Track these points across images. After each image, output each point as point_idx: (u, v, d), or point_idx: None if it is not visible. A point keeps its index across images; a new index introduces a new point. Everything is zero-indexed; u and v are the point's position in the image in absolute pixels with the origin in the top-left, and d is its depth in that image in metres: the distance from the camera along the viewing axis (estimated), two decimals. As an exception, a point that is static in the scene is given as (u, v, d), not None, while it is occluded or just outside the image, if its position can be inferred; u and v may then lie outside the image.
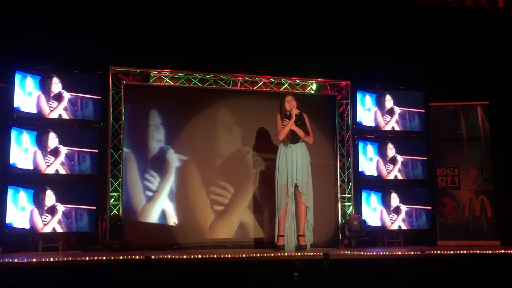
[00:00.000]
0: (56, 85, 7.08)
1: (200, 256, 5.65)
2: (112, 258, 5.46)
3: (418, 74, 8.31)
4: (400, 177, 8.16)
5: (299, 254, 5.99)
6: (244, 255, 5.82)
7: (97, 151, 7.13)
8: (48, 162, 6.93)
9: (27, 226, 6.75)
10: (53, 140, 6.98)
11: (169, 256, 5.55)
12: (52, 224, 6.85)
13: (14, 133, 6.82)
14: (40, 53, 7.11)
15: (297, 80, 8.02)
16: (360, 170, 8.08)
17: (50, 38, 7.12)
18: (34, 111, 6.99)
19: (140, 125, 7.46)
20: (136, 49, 7.43)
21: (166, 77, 7.59)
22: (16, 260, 5.28)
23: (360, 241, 7.50)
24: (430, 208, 8.14)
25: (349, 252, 6.11)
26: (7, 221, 6.65)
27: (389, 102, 8.25)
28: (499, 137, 8.20)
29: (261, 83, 7.94)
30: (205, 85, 7.72)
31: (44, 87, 7.04)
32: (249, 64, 7.79)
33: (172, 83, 7.62)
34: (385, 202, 8.07)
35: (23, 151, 6.85)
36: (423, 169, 8.20)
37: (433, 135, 8.29)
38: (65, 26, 7.14)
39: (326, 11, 7.91)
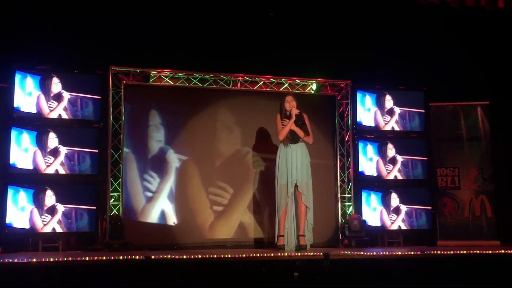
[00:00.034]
0: (56, 85, 7.08)
1: (200, 256, 5.65)
2: (112, 258, 5.46)
3: (418, 74, 8.31)
4: (400, 177, 8.16)
5: (299, 254, 5.99)
6: (244, 255, 5.82)
7: (97, 151, 7.13)
8: (48, 162, 6.93)
9: (27, 226, 6.75)
10: (53, 140, 6.97)
11: (169, 256, 5.55)
12: (52, 224, 6.85)
13: (14, 133, 6.82)
14: (40, 53, 7.11)
15: (297, 80, 8.02)
16: (360, 170, 8.08)
17: (50, 38, 7.11)
18: (34, 111, 6.99)
19: (140, 125, 7.46)
20: (136, 49, 7.43)
21: (166, 77, 7.59)
22: (16, 260, 5.28)
23: (360, 241, 7.50)
24: (430, 208, 8.14)
25: (349, 252, 6.11)
26: (7, 221, 6.65)
27: (389, 102, 8.25)
28: (499, 137, 8.20)
29: (261, 83, 7.94)
30: (205, 85, 7.72)
31: (44, 87, 7.04)
32: (249, 64, 7.79)
33: (172, 83, 7.62)
34: (385, 202, 8.07)
35: (23, 151, 6.85)
36: (423, 169, 8.20)
37: (433, 135, 8.29)
38: (65, 26, 7.13)
39: (326, 11, 7.90)
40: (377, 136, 8.22)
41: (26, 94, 6.95)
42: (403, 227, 8.07)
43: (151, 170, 7.39)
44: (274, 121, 6.59)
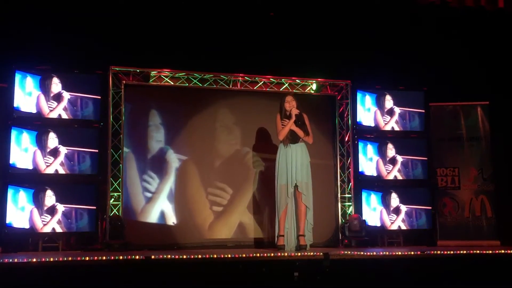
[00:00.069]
0: (56, 85, 7.08)
1: (200, 256, 5.65)
2: (112, 258, 5.46)
3: (418, 74, 8.31)
4: (399, 177, 8.16)
5: (299, 254, 5.99)
6: (244, 255, 5.82)
7: (97, 151, 7.13)
8: (47, 162, 6.93)
9: (27, 226, 6.75)
10: (53, 140, 6.97)
11: (169, 256, 5.55)
12: (52, 224, 6.85)
13: (14, 133, 6.82)
14: (40, 53, 7.11)
15: (297, 80, 8.02)
16: (360, 170, 8.08)
17: (50, 38, 7.11)
18: (34, 111, 6.99)
19: (140, 125, 7.46)
20: (136, 49, 7.43)
21: (166, 77, 7.59)
22: (16, 260, 5.28)
23: (360, 241, 7.50)
24: (430, 208, 8.14)
25: (349, 252, 6.10)
26: (7, 221, 6.65)
27: (389, 102, 8.25)
28: (499, 137, 8.20)
29: (261, 83, 7.94)
30: (205, 85, 7.72)
31: (44, 87, 7.04)
32: (249, 64, 7.79)
33: (172, 83, 7.62)
34: (385, 202, 8.06)
35: (23, 151, 6.85)
36: (423, 169, 8.20)
37: (433, 135, 8.29)
38: (65, 26, 7.13)
39: (326, 11, 7.90)
40: (377, 136, 8.22)
41: (26, 94, 6.95)
42: (403, 227, 8.07)
43: (151, 170, 7.38)
44: (274, 121, 6.59)
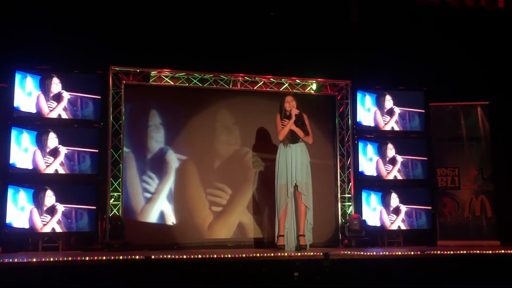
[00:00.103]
0: (55, 85, 7.08)
1: (200, 256, 5.64)
2: (112, 258, 5.46)
3: (418, 74, 8.32)
4: (399, 177, 8.16)
5: (299, 254, 5.99)
6: (244, 255, 5.82)
7: (97, 151, 7.13)
8: (47, 162, 6.93)
9: (27, 226, 6.75)
10: (52, 140, 6.97)
11: (169, 256, 5.55)
12: (52, 224, 6.85)
13: (14, 133, 6.82)
14: (40, 53, 7.11)
15: (297, 80, 8.02)
16: (360, 170, 8.08)
17: (50, 38, 7.12)
18: (34, 111, 6.99)
19: (140, 125, 7.46)
20: (136, 49, 7.43)
21: (166, 77, 7.59)
22: (16, 260, 5.27)
23: (360, 241, 7.50)
24: (430, 208, 8.14)
25: (349, 252, 6.10)
26: (7, 221, 6.65)
27: (388, 102, 8.25)
28: (499, 137, 8.20)
29: (261, 83, 7.94)
30: (205, 85, 7.71)
31: (44, 87, 7.04)
32: (249, 64, 7.79)
33: (172, 83, 7.62)
34: (385, 202, 8.06)
35: (23, 151, 6.85)
36: (423, 169, 8.20)
37: (433, 135, 8.29)
38: (65, 26, 7.14)
39: (326, 11, 7.90)
40: (377, 136, 8.22)
41: (26, 94, 6.95)
42: (403, 227, 8.07)
43: (151, 170, 7.38)
44: (274, 121, 6.59)
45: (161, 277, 5.43)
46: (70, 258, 5.39)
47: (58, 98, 7.08)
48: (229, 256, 5.70)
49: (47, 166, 6.93)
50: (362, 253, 6.20)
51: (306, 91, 8.12)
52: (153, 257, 5.49)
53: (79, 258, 5.39)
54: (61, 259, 5.39)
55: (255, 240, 7.58)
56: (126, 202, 7.20)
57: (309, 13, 7.89)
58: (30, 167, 6.87)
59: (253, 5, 7.71)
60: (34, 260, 5.23)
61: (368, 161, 8.12)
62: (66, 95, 7.11)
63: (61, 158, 6.98)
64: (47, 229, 6.82)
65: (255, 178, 7.68)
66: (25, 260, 5.25)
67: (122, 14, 7.36)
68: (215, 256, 5.66)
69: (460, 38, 8.26)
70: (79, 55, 7.24)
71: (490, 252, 6.49)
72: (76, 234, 7.01)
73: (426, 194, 8.17)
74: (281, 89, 7.95)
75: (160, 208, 7.35)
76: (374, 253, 6.35)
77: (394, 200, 8.09)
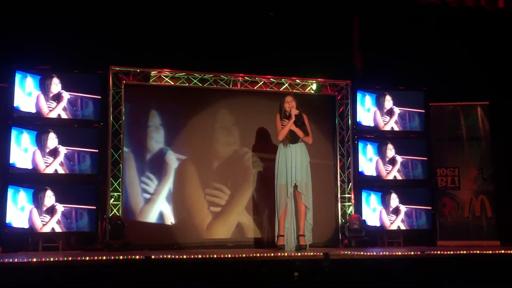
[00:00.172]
0: (55, 85, 7.07)
1: (200, 256, 5.65)
2: (112, 258, 5.46)
3: (418, 74, 8.31)
4: (399, 177, 8.15)
5: (299, 254, 5.99)
6: (244, 255, 5.82)
7: (97, 151, 7.13)
8: (47, 162, 6.93)
9: (26, 226, 6.75)
10: (52, 140, 6.97)
11: (169, 256, 5.55)
12: (51, 224, 6.84)
13: (14, 133, 6.82)
14: (40, 53, 7.11)
15: (297, 80, 8.01)
16: (360, 170, 8.07)
17: (50, 38, 7.12)
18: (34, 111, 6.98)
19: (140, 125, 7.45)
20: (136, 49, 7.44)
21: (166, 77, 7.59)
22: (16, 260, 5.27)
23: (360, 241, 7.50)
24: (430, 208, 8.14)
25: (349, 252, 6.10)
26: (7, 221, 6.64)
27: (388, 102, 8.25)
28: (499, 137, 8.20)
29: (261, 83, 7.94)
30: (205, 85, 7.71)
31: (44, 87, 7.03)
32: (249, 64, 7.79)
33: (172, 83, 7.62)
34: (385, 202, 8.06)
35: (22, 151, 6.85)
36: (423, 169, 8.19)
37: (433, 135, 8.28)
38: (65, 26, 7.14)
39: (326, 11, 7.91)
40: (377, 136, 8.22)
41: (26, 94, 6.95)
42: (403, 227, 8.07)
43: (150, 171, 7.38)
44: (274, 121, 6.59)
45: (161, 277, 5.43)
46: (70, 258, 5.38)
47: (58, 98, 7.08)
48: (229, 256, 5.70)
49: (47, 166, 6.93)
50: (362, 253, 6.20)
51: (306, 91, 8.11)
52: (153, 257, 5.49)
53: (79, 258, 5.39)
54: (61, 259, 5.39)
55: (255, 240, 7.58)
56: (126, 202, 7.20)
57: (309, 13, 7.89)
58: (30, 167, 6.87)
59: (253, 5, 7.72)
60: (34, 260, 5.23)
61: (368, 161, 8.12)
62: (66, 95, 7.10)
63: (60, 158, 6.98)
64: (46, 229, 6.82)
65: (255, 178, 7.68)
66: (25, 260, 5.25)
67: (122, 14, 7.37)
68: (215, 256, 5.66)
69: (460, 38, 8.26)
70: (79, 55, 7.24)
71: (490, 252, 6.49)
72: (76, 234, 7.01)
73: (426, 194, 8.17)
74: (281, 89, 7.94)
75: (160, 208, 7.34)
76: (374, 253, 6.35)
77: (394, 200, 8.08)
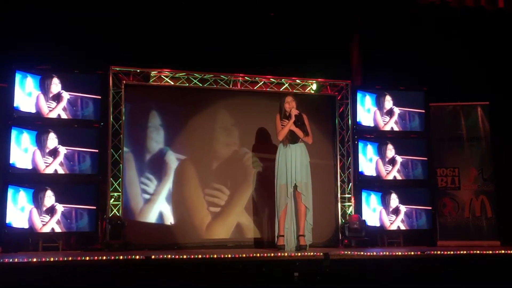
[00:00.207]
0: (55, 85, 7.07)
1: (200, 256, 5.65)
2: (112, 258, 5.46)
3: (418, 74, 8.32)
4: (399, 177, 8.15)
5: (299, 254, 5.99)
6: (244, 255, 5.82)
7: (97, 151, 7.13)
8: (46, 162, 6.92)
9: (26, 226, 6.74)
10: (52, 140, 6.97)
11: (169, 256, 5.55)
12: (51, 225, 6.84)
13: (14, 133, 6.81)
14: (40, 53, 7.11)
15: (297, 80, 8.01)
16: (360, 170, 8.07)
17: (50, 38, 7.12)
18: (34, 111, 6.98)
19: (140, 125, 7.45)
20: (136, 49, 7.44)
21: (166, 77, 7.59)
22: (16, 260, 5.27)
23: (360, 241, 7.50)
24: (430, 208, 8.13)
25: (349, 252, 6.10)
26: (7, 221, 6.64)
27: (388, 102, 8.24)
28: (499, 137, 8.20)
29: (261, 83, 7.94)
30: (205, 85, 7.71)
31: (44, 87, 7.03)
32: (249, 64, 7.79)
33: (172, 83, 7.62)
34: (385, 203, 8.06)
35: (22, 151, 6.85)
36: (423, 169, 8.19)
37: (433, 135, 8.28)
38: (65, 26, 7.14)
39: (326, 11, 7.91)
40: (377, 136, 8.21)
41: (26, 94, 6.95)
42: (402, 227, 8.06)
43: (150, 171, 7.38)
44: (274, 121, 6.59)
45: (161, 277, 5.43)
46: (70, 258, 5.39)
47: (58, 98, 7.08)
48: (229, 256, 5.70)
49: (47, 166, 6.93)
50: (362, 253, 6.20)
51: (306, 91, 8.11)
52: (153, 257, 5.49)
53: (79, 258, 5.40)
54: (61, 259, 5.39)
55: (255, 240, 7.58)
56: (126, 202, 7.20)
57: (309, 13, 7.89)
58: (30, 167, 6.86)
59: (253, 5, 7.72)
60: (34, 260, 5.23)
61: (368, 161, 8.11)
62: (66, 95, 7.10)
63: (60, 158, 6.98)
64: (46, 229, 6.82)
65: (254, 178, 7.68)
66: (25, 260, 5.25)
67: (122, 14, 7.37)
68: (215, 256, 5.66)
69: (460, 38, 8.26)
70: (79, 55, 7.24)
71: (490, 252, 6.49)
72: (76, 234, 7.01)
73: (426, 194, 8.16)
74: (281, 89, 7.94)
75: (159, 209, 7.34)
76: (374, 253, 6.35)
77: (394, 200, 8.08)
